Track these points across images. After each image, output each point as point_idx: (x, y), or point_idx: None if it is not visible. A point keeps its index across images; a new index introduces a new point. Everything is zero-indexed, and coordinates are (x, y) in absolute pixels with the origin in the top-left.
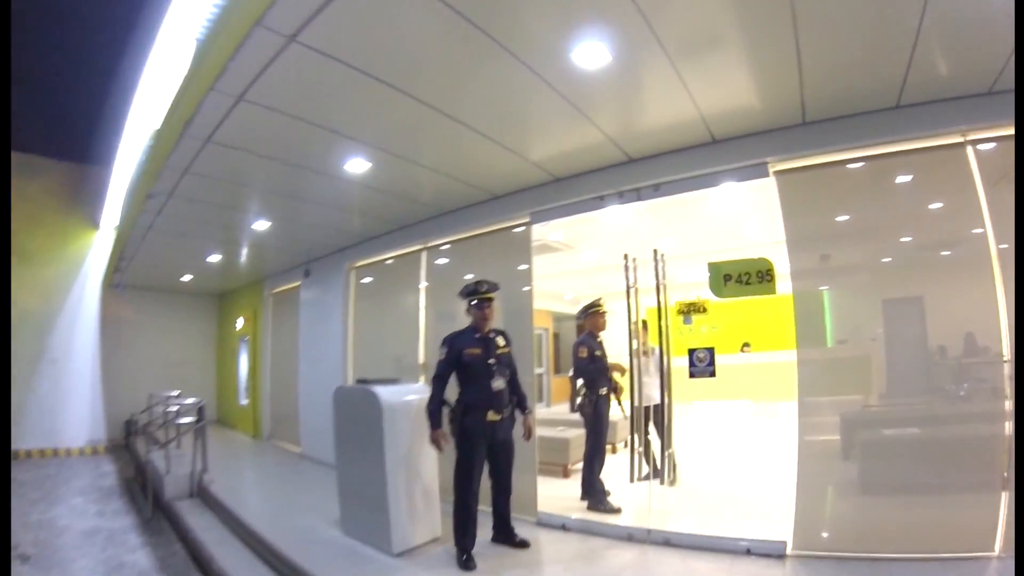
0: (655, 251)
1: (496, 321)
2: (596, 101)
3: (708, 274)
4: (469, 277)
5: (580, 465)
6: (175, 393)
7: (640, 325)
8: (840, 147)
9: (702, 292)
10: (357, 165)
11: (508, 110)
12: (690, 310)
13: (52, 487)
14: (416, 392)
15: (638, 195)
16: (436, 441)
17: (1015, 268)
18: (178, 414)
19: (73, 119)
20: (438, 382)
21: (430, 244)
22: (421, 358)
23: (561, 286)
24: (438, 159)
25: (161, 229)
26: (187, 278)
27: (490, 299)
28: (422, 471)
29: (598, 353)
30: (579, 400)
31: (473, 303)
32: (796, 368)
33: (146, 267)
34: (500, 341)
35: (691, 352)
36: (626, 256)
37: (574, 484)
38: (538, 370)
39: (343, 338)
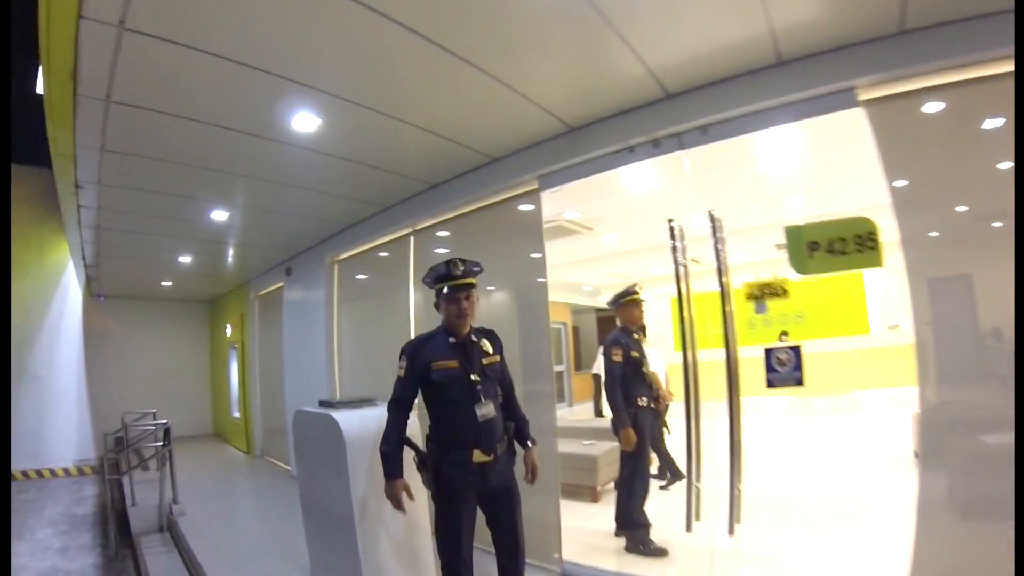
0: (711, 215)
1: (485, 317)
2: (626, 6)
3: (786, 242)
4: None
5: (612, 486)
6: (151, 411)
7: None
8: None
9: (777, 268)
10: (306, 122)
11: (507, 26)
12: (764, 293)
13: (24, 516)
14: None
15: (679, 142)
16: (394, 497)
17: (1015, 268)
18: (145, 436)
19: (39, 119)
20: (396, 410)
21: (419, 227)
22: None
23: (579, 275)
24: (414, 107)
25: (110, 227)
26: (168, 283)
27: (469, 285)
28: (404, 518)
29: (635, 354)
30: (613, 413)
31: (443, 292)
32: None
33: (116, 273)
34: (486, 346)
35: (768, 353)
36: (672, 224)
37: (605, 511)
38: (558, 367)
39: (327, 344)
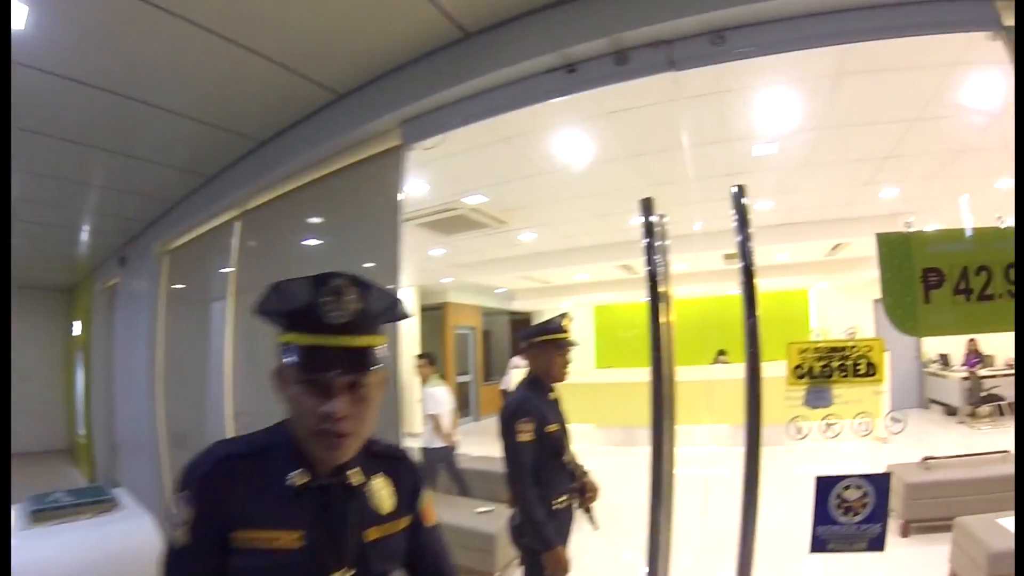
0: (646, 205)
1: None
2: None
3: (881, 266)
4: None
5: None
6: None
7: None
8: None
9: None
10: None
11: None
12: None
13: None
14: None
15: (670, 58)
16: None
17: (1015, 269)
18: None
19: None
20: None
21: (249, 206)
22: (228, 408)
23: (492, 277)
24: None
25: None
26: None
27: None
28: None
29: (553, 428)
30: (526, 524)
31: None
32: None
33: None
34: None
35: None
36: (648, 205)
37: None
38: (465, 377)
39: (150, 364)
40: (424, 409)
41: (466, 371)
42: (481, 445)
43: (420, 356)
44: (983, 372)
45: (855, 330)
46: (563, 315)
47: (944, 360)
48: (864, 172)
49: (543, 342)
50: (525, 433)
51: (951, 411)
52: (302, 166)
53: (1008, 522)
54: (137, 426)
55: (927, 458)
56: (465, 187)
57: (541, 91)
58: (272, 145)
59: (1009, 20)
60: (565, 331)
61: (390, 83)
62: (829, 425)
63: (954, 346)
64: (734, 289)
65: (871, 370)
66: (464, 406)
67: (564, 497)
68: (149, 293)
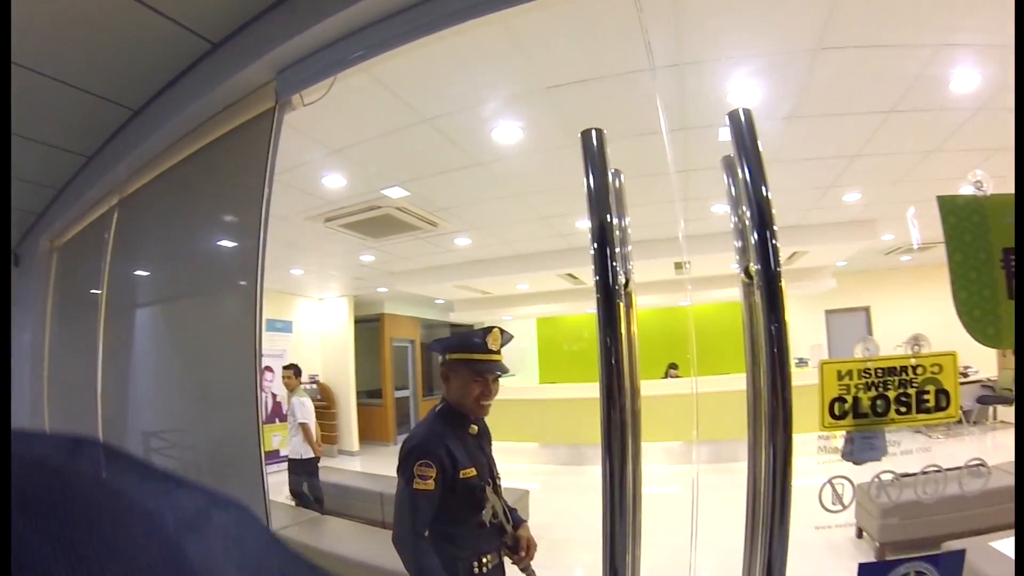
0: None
1: None
2: None
3: (946, 236)
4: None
5: None
6: None
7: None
8: None
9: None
10: None
11: None
12: None
13: None
14: None
15: None
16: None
17: (1016, 275)
18: None
19: None
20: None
21: (128, 191)
22: (100, 429)
23: (429, 288)
24: None
25: None
26: None
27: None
28: None
29: (469, 474)
30: None
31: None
32: None
33: None
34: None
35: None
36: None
37: None
38: (403, 392)
39: (37, 370)
40: (295, 418)
41: (405, 385)
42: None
43: (286, 367)
44: None
45: (922, 341)
46: (489, 328)
47: None
48: (828, 174)
49: (459, 361)
50: (423, 480)
51: None
52: (176, 135)
53: (1002, 545)
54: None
55: (902, 475)
56: (385, 180)
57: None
58: (146, 113)
59: None
60: (490, 350)
61: (263, 25)
62: None
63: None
64: (684, 300)
65: (942, 401)
66: (404, 422)
67: (489, 557)
68: (36, 295)
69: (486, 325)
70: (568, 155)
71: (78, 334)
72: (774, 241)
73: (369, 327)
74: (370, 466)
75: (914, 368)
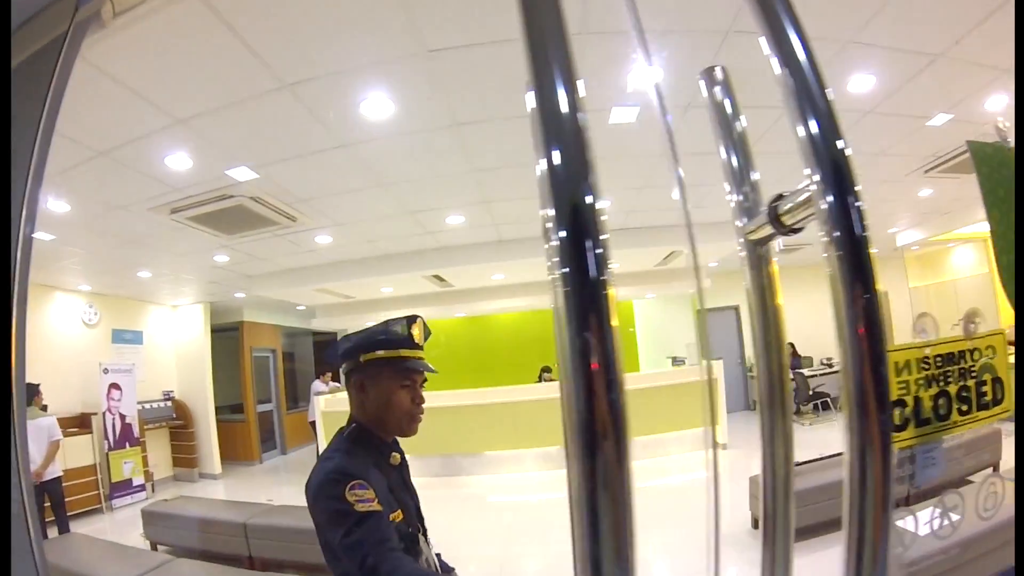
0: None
1: None
2: None
3: (987, 209)
4: None
5: None
6: None
7: None
8: None
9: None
10: None
11: None
12: None
13: None
14: None
15: None
16: None
17: (1016, 274)
18: None
19: None
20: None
21: None
22: None
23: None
24: None
25: None
26: None
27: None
28: None
29: (396, 517)
30: None
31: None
32: None
33: None
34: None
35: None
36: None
37: None
38: (266, 406)
39: None
40: (47, 437)
41: (268, 399)
42: (292, 484)
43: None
44: (808, 372)
45: (978, 316)
46: (413, 317)
47: None
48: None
49: (376, 363)
50: (366, 503)
51: None
52: None
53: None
54: None
55: (799, 463)
56: (230, 159)
57: None
58: None
59: None
60: (416, 344)
61: None
62: None
63: None
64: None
65: (998, 393)
66: (269, 439)
67: None
68: None
69: (397, 317)
70: (444, 138)
71: None
72: (858, 203)
73: (227, 336)
74: (236, 491)
75: (971, 352)
